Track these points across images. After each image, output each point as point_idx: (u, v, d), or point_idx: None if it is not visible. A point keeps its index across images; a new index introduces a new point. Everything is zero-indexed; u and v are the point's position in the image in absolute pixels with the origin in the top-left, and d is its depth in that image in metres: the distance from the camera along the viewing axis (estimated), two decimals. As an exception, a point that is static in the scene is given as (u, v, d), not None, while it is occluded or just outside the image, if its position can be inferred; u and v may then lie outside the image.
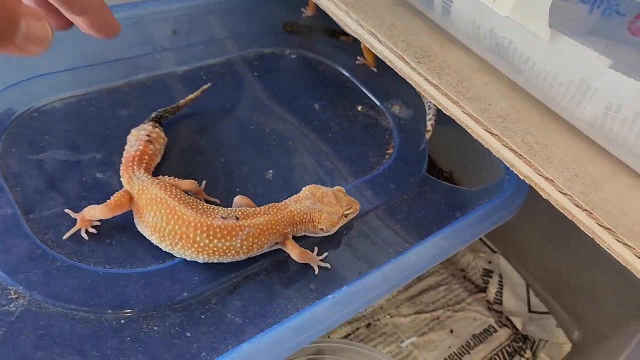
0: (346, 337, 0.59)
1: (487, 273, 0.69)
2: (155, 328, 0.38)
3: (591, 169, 0.44)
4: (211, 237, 0.40)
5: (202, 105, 0.55)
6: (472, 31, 0.50)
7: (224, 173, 0.50)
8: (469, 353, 0.60)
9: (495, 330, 0.63)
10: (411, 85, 0.64)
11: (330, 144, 0.55)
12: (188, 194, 0.43)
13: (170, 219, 0.40)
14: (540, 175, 0.43)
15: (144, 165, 0.45)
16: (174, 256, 0.42)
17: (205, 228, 0.40)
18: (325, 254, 0.46)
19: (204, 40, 0.62)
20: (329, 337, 0.57)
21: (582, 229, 0.42)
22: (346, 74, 0.64)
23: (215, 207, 0.43)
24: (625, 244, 0.39)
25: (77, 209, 0.43)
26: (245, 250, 0.42)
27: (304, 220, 0.45)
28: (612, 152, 0.45)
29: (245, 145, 0.53)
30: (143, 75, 0.56)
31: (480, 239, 0.73)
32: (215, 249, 0.41)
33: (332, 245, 0.47)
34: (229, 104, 0.57)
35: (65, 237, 0.41)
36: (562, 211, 0.43)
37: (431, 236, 0.49)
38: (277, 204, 0.45)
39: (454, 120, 0.48)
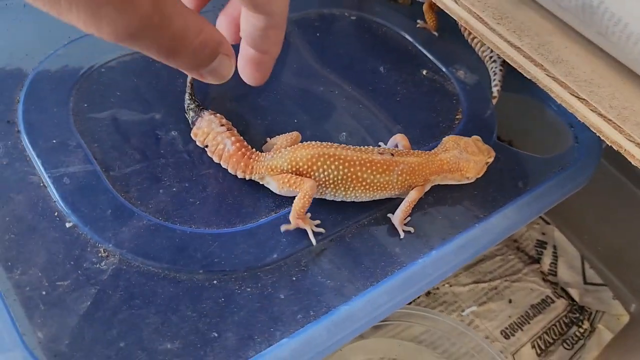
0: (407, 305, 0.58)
1: (541, 244, 0.68)
2: (248, 289, 0.37)
3: (680, 137, 0.43)
4: (375, 173, 0.42)
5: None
6: (554, -10, 0.48)
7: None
8: (528, 323, 0.60)
9: (553, 301, 0.63)
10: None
11: (400, 109, 0.54)
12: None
13: (338, 165, 0.41)
14: (631, 141, 0.42)
15: (251, 150, 0.43)
16: (257, 217, 0.41)
17: (369, 164, 0.42)
18: (409, 218, 0.45)
19: None
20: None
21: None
22: (408, 37, 0.62)
23: (367, 147, 0.44)
24: None
25: (156, 167, 0.42)
26: (399, 187, 0.44)
27: (452, 169, 0.46)
28: (702, 120, 0.44)
29: (317, 106, 0.52)
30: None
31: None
32: (378, 184, 0.43)
33: (418, 208, 0.46)
34: (295, 65, 0.55)
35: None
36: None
37: (507, 205, 0.48)
38: (426, 151, 0.47)
39: (516, 87, 0.47)
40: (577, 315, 0.63)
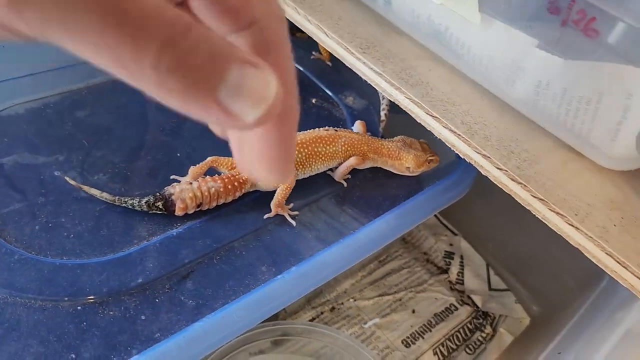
0: (311, 320, 0.61)
1: (449, 255, 0.71)
2: (111, 313, 0.40)
3: (528, 145, 0.46)
4: (324, 145, 0.53)
5: (161, 105, 0.57)
6: (412, 20, 0.52)
7: (185, 169, 0.51)
8: (430, 331, 0.63)
9: (456, 309, 0.66)
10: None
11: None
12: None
13: (299, 149, 0.51)
14: (478, 153, 0.46)
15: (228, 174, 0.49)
16: (128, 245, 0.44)
17: (319, 140, 0.53)
18: (296, 212, 0.50)
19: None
20: (293, 321, 0.59)
21: (519, 201, 0.44)
22: (301, 68, 0.66)
23: (315, 129, 0.54)
24: (557, 213, 0.42)
25: (35, 207, 0.45)
26: (343, 155, 0.54)
27: (392, 156, 0.56)
28: (547, 129, 0.48)
29: (205, 138, 0.55)
30: (102, 78, 0.58)
31: (442, 222, 0.75)
32: (328, 154, 0.53)
33: (288, 227, 0.50)
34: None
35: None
36: (499, 185, 0.45)
37: (382, 216, 0.51)
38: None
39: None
40: (481, 320, 0.65)
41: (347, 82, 0.65)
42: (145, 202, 0.46)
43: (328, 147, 0.53)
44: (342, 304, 0.63)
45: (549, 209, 0.42)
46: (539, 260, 0.66)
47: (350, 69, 0.68)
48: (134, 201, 0.46)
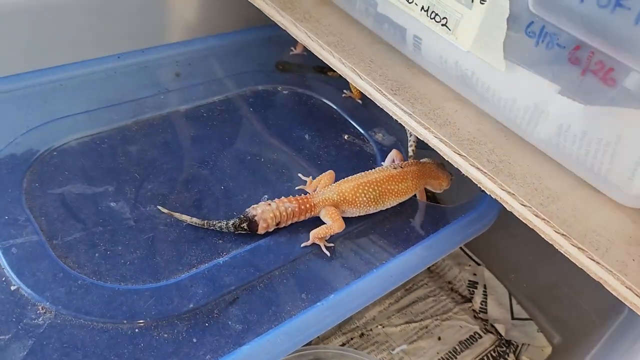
0: (342, 345, 0.63)
1: (473, 284, 0.74)
2: (165, 335, 0.44)
3: (550, 183, 0.49)
4: (397, 183, 0.57)
5: (204, 140, 0.61)
6: (440, 64, 0.56)
7: (224, 199, 0.56)
8: (455, 358, 0.65)
9: (481, 337, 0.68)
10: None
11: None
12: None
13: (374, 187, 0.56)
14: (503, 190, 0.49)
15: (301, 197, 0.55)
16: (179, 273, 0.48)
17: (391, 178, 0.57)
18: (332, 244, 0.54)
19: (203, 81, 0.68)
20: (325, 345, 0.62)
21: (543, 236, 0.47)
22: (333, 106, 0.70)
23: (382, 167, 0.60)
24: (579, 248, 0.45)
25: (94, 235, 0.49)
26: (414, 189, 0.59)
27: (434, 176, 0.62)
28: (568, 168, 0.50)
29: (243, 174, 0.59)
30: (149, 115, 0.63)
31: (466, 253, 0.78)
32: (402, 191, 0.58)
33: (324, 256, 0.53)
34: (227, 138, 0.63)
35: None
36: (524, 221, 0.48)
37: (410, 248, 0.54)
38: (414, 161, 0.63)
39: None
40: (504, 349, 0.68)
41: (376, 119, 0.69)
42: (232, 224, 0.52)
43: (400, 185, 0.58)
44: (371, 330, 0.66)
45: (571, 244, 0.45)
46: (560, 290, 0.68)
47: (379, 107, 0.73)
48: (222, 224, 0.51)
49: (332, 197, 0.55)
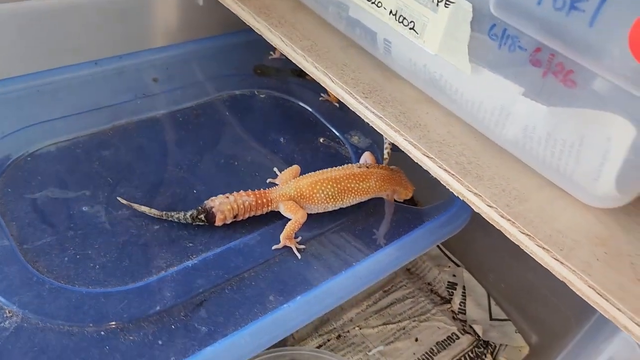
0: (318, 347, 0.64)
1: (452, 285, 0.74)
2: (131, 338, 0.44)
3: (517, 184, 0.50)
4: (360, 181, 0.57)
5: (179, 144, 0.62)
6: (410, 67, 0.56)
7: (196, 202, 0.56)
8: (432, 359, 0.65)
9: (458, 337, 0.68)
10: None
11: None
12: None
13: (332, 184, 0.56)
14: (470, 191, 0.49)
15: (260, 191, 0.56)
16: (149, 275, 0.48)
17: (352, 177, 0.57)
18: (303, 246, 0.55)
19: (181, 86, 0.69)
20: (300, 347, 0.62)
21: (508, 236, 0.47)
22: (310, 109, 0.71)
23: (347, 165, 0.59)
24: (544, 248, 0.45)
25: (66, 239, 0.50)
26: (377, 190, 0.59)
27: (404, 185, 0.62)
28: (535, 169, 0.51)
29: (217, 178, 0.60)
30: (125, 120, 0.63)
31: (445, 254, 0.78)
32: (363, 190, 0.58)
33: (294, 259, 0.54)
34: (202, 142, 0.63)
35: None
36: (490, 222, 0.49)
37: (382, 249, 0.55)
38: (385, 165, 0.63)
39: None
40: (482, 349, 0.68)
41: (352, 123, 0.69)
42: (190, 215, 0.53)
43: (361, 184, 0.58)
44: (348, 332, 0.66)
45: (536, 244, 0.45)
46: (537, 291, 0.69)
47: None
48: (180, 215, 0.53)
49: (290, 192, 0.56)
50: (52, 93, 0.63)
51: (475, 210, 0.50)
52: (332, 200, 0.57)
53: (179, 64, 0.72)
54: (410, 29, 0.53)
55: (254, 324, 0.45)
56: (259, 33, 0.64)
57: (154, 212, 0.53)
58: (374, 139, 0.68)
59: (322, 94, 0.73)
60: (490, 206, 0.48)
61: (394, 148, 0.67)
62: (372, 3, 0.56)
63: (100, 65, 0.67)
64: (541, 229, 0.46)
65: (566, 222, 0.47)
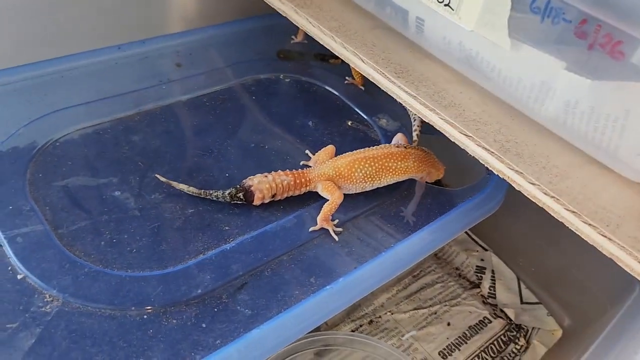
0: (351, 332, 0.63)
1: (481, 270, 0.73)
2: (174, 321, 0.43)
3: (558, 161, 0.49)
4: (397, 161, 0.56)
5: (207, 129, 0.61)
6: (443, 46, 0.55)
7: (229, 187, 0.55)
8: (466, 343, 0.65)
9: (490, 322, 0.68)
10: (396, 100, 0.71)
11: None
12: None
13: (371, 163, 0.55)
14: (511, 169, 0.48)
15: (298, 171, 0.55)
16: (187, 259, 0.48)
17: (392, 155, 0.56)
18: (340, 229, 0.54)
19: (205, 71, 0.68)
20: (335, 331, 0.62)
21: (552, 214, 0.46)
22: (336, 93, 0.70)
23: (380, 145, 0.59)
24: (590, 225, 0.44)
25: (100, 224, 0.49)
26: (415, 170, 0.58)
27: (435, 166, 0.61)
28: (576, 145, 0.50)
29: (248, 162, 0.59)
30: (151, 105, 0.62)
31: (473, 239, 0.77)
32: (401, 169, 0.57)
33: (331, 241, 0.53)
34: (230, 127, 0.62)
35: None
36: (533, 200, 0.48)
37: (417, 232, 0.54)
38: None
39: (434, 129, 0.54)
40: (514, 333, 0.67)
41: (380, 105, 0.69)
42: (229, 194, 0.52)
43: (399, 163, 0.57)
44: (380, 317, 0.65)
45: (582, 221, 0.45)
46: (569, 273, 0.68)
47: (382, 92, 0.72)
48: (219, 193, 0.52)
49: (328, 172, 0.55)
50: (75, 79, 0.62)
51: (516, 188, 0.49)
52: (370, 179, 0.56)
53: (202, 48, 0.71)
54: (446, 5, 0.52)
55: (298, 306, 0.44)
56: (284, 15, 0.63)
57: (192, 190, 0.52)
58: (402, 122, 0.67)
59: (347, 78, 0.72)
60: (533, 183, 0.47)
61: (423, 130, 0.66)
62: (405, -19, 0.55)
63: (124, 50, 0.66)
64: (586, 206, 0.45)
65: (610, 198, 0.46)
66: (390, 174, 0.57)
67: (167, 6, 0.74)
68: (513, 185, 0.49)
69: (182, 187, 0.52)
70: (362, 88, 0.71)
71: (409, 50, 0.60)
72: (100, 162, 0.55)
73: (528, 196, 0.48)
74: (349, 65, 0.73)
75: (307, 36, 0.74)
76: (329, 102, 0.69)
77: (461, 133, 0.52)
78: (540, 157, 0.49)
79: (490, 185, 0.61)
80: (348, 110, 0.68)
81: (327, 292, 0.46)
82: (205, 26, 0.73)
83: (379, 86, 0.57)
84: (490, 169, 0.50)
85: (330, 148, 0.59)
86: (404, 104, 0.55)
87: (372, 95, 0.70)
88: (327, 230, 0.53)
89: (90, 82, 0.62)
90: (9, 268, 0.44)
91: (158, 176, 0.53)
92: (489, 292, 0.71)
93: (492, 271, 0.73)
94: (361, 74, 0.71)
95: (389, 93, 0.56)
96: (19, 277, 0.44)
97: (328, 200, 0.54)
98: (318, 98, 0.69)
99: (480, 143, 0.50)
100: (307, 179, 0.54)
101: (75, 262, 0.45)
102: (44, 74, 0.61)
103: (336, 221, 0.54)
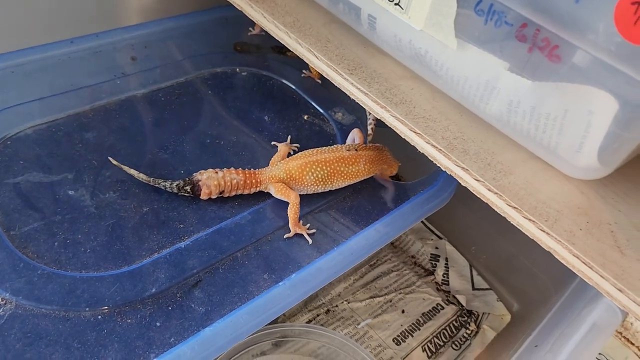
0: (308, 322, 0.65)
1: (435, 257, 0.76)
2: (128, 321, 0.44)
3: (502, 158, 0.51)
4: (349, 165, 0.57)
5: (163, 124, 0.61)
6: (395, 43, 0.56)
7: (177, 180, 0.55)
8: (419, 329, 0.67)
9: (443, 308, 0.70)
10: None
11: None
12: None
13: (322, 167, 0.56)
14: (458, 165, 0.50)
15: (249, 170, 0.56)
16: (142, 258, 0.48)
17: (343, 160, 0.57)
18: (314, 230, 0.55)
19: (160, 65, 0.68)
20: (291, 323, 0.63)
21: (495, 209, 0.48)
22: (293, 86, 0.70)
23: (336, 146, 0.59)
24: (530, 220, 0.46)
25: (53, 224, 0.49)
26: (366, 172, 0.59)
27: (388, 163, 0.62)
28: (519, 142, 0.52)
29: (203, 157, 0.59)
30: (106, 100, 0.62)
31: (428, 227, 0.80)
32: (352, 173, 0.58)
33: (282, 236, 0.54)
34: (186, 122, 0.62)
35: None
36: (477, 195, 0.50)
37: (372, 225, 0.55)
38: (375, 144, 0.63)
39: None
40: (465, 318, 0.70)
41: (336, 99, 0.70)
42: (176, 185, 0.53)
43: (351, 167, 0.58)
44: (337, 306, 0.67)
45: (522, 216, 0.47)
46: (518, 260, 0.71)
47: (338, 86, 0.73)
48: (167, 183, 0.53)
49: (279, 174, 0.56)
50: (27, 74, 0.61)
51: (462, 184, 0.51)
52: (321, 183, 0.57)
53: (157, 42, 0.70)
54: (396, 4, 0.53)
55: (251, 302, 0.46)
56: (239, 9, 0.63)
57: (142, 176, 0.53)
58: (358, 116, 0.69)
59: (304, 71, 0.72)
60: (478, 180, 0.49)
61: (378, 124, 0.67)
62: (356, -22, 0.56)
63: (76, 44, 0.65)
64: (527, 201, 0.47)
65: (550, 193, 0.49)
66: (342, 178, 0.58)
67: (122, -2, 0.73)
68: (459, 181, 0.51)
69: (132, 172, 0.53)
70: (319, 81, 0.72)
71: (362, 46, 0.61)
72: (53, 159, 0.54)
73: (473, 192, 0.50)
74: (306, 57, 0.74)
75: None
76: (286, 95, 0.70)
77: (411, 130, 0.53)
78: (485, 154, 0.51)
79: (442, 178, 0.63)
80: (304, 104, 0.69)
81: (280, 287, 0.47)
82: (160, 18, 0.73)
83: (333, 82, 0.58)
84: (437, 164, 0.52)
85: (283, 149, 0.60)
86: (357, 100, 0.57)
87: (328, 89, 0.70)
88: (288, 229, 0.54)
89: (42, 77, 0.61)
90: (-40, 271, 0.44)
91: (110, 159, 0.54)
92: (442, 279, 0.74)
93: (446, 259, 0.76)
94: (318, 67, 0.72)
95: (342, 89, 0.57)
96: (-30, 280, 0.44)
97: (286, 202, 0.55)
98: (275, 92, 0.70)
99: (429, 140, 0.52)
100: (258, 179, 0.55)
101: (28, 263, 0.45)
102: (-7, 70, 0.60)
103: (308, 225, 0.55)
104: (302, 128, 0.65)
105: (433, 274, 0.74)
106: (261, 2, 0.63)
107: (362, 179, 0.60)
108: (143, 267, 0.48)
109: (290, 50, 0.75)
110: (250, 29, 0.77)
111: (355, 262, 0.54)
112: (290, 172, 0.56)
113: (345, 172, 0.58)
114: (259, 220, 0.54)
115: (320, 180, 0.56)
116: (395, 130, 0.55)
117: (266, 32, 0.63)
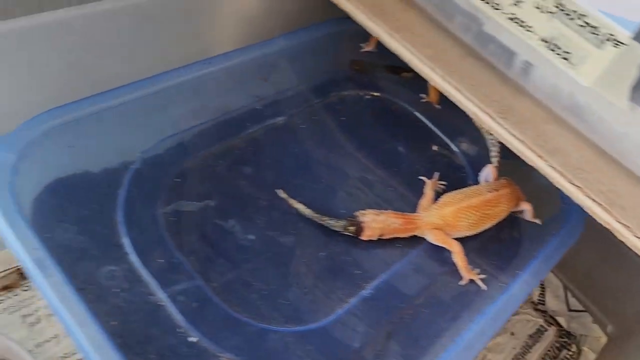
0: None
1: (530, 278, 0.80)
2: (341, 378, 0.46)
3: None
4: (492, 207, 0.58)
5: (305, 155, 0.61)
6: (550, 91, 0.57)
7: (342, 219, 0.55)
8: (529, 352, 0.71)
9: (546, 330, 0.75)
10: (470, 121, 0.72)
11: (418, 186, 0.62)
12: None
13: (473, 211, 0.57)
14: (619, 222, 0.52)
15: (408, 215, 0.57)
16: (335, 309, 0.49)
17: (486, 202, 0.58)
18: (484, 276, 0.56)
19: (288, 88, 0.66)
20: None
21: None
22: (415, 112, 0.70)
23: (476, 187, 0.61)
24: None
25: (239, 270, 0.49)
26: (505, 213, 0.60)
27: (521, 199, 0.63)
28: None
29: (354, 192, 0.60)
30: (251, 129, 0.61)
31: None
32: (495, 215, 0.59)
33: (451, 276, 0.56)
34: (325, 152, 0.63)
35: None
36: (637, 252, 0.52)
37: (522, 273, 0.56)
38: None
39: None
40: (566, 339, 0.75)
41: (457, 127, 0.70)
42: (342, 225, 0.54)
43: (494, 209, 0.59)
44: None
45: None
46: (610, 283, 0.75)
47: (458, 113, 0.70)
48: (332, 221, 0.54)
49: (436, 221, 0.57)
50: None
51: (621, 239, 0.53)
52: (473, 228, 0.58)
53: (283, 60, 0.68)
54: (564, 58, 0.54)
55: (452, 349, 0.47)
56: (377, 37, 0.62)
57: (308, 212, 0.54)
58: (480, 146, 0.69)
59: (422, 95, 0.72)
60: (638, 237, 0.51)
61: (502, 155, 0.68)
62: (521, 26, 0.56)
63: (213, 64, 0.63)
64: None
65: None
66: (489, 220, 0.59)
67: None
68: (618, 236, 0.52)
69: (299, 206, 0.54)
70: (439, 107, 0.72)
71: (504, 84, 0.60)
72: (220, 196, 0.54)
73: (634, 249, 0.52)
74: (421, 79, 0.73)
75: (378, 44, 0.72)
76: (410, 121, 0.70)
77: (569, 182, 0.54)
78: (642, 209, 0.53)
79: (572, 217, 0.64)
80: (429, 132, 0.69)
81: (472, 331, 0.48)
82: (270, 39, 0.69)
83: (484, 126, 0.58)
84: (596, 219, 0.54)
85: (429, 194, 0.60)
86: (509, 147, 0.57)
87: (449, 116, 0.71)
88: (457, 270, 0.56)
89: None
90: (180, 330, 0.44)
91: (278, 191, 0.55)
92: (538, 299, 0.78)
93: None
94: (437, 92, 0.71)
95: (492, 133, 0.58)
96: (189, 339, 0.44)
97: (451, 251, 0.56)
98: (402, 118, 0.70)
99: (588, 194, 0.53)
100: (416, 225, 0.57)
101: (239, 320, 0.46)
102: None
103: (477, 270, 0.56)
104: (433, 161, 0.66)
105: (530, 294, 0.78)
106: (402, 31, 0.62)
107: (502, 219, 0.61)
108: (339, 320, 0.49)
109: (405, 71, 0.75)
110: (361, 44, 0.75)
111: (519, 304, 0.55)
112: (445, 219, 0.57)
113: (491, 214, 0.59)
114: (423, 266, 0.56)
115: (472, 225, 0.58)
116: (551, 180, 0.56)
117: (379, 50, 0.61)
